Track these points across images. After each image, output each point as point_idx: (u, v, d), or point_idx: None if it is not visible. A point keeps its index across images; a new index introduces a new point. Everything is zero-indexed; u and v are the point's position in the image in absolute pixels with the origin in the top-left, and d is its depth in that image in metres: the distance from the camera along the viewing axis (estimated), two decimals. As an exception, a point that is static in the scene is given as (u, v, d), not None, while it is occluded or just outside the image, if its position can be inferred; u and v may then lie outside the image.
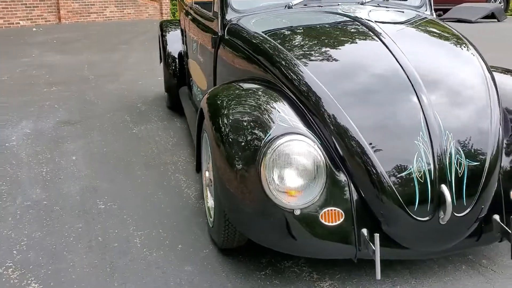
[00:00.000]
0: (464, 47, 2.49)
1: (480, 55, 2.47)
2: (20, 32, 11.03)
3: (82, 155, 3.59)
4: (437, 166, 1.95)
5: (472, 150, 2.03)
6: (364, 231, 1.95)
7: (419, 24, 2.76)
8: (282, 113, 2.04)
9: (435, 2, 3.15)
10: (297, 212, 1.91)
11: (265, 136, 1.95)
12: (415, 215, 1.94)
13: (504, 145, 2.15)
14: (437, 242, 2.03)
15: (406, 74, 2.13)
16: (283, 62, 2.29)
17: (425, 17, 2.91)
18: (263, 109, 2.08)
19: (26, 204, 2.85)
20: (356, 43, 2.46)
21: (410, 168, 1.94)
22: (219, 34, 2.84)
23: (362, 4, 2.93)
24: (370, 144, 1.97)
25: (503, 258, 2.31)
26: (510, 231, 2.01)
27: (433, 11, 3.11)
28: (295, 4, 2.85)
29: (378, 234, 1.88)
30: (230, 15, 2.84)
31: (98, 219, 2.67)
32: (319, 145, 1.97)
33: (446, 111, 2.08)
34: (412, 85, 2.10)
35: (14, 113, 4.64)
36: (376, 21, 2.56)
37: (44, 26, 12.17)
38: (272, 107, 2.08)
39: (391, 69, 2.18)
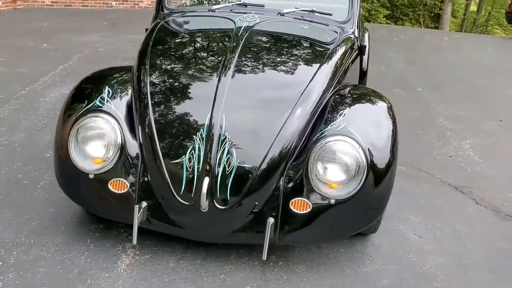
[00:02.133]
0: (316, 70, 2.63)
1: (332, 75, 2.62)
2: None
3: (81, 117, 4.36)
4: (207, 160, 2.21)
5: (247, 154, 2.24)
6: (143, 204, 2.29)
7: (306, 42, 2.92)
8: (106, 96, 2.46)
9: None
10: (91, 176, 2.34)
11: (80, 110, 2.41)
12: (181, 198, 2.23)
13: (292, 162, 2.29)
14: (204, 227, 2.29)
15: (218, 84, 2.40)
16: (141, 59, 2.72)
17: (331, 35, 3.01)
18: (97, 89, 2.52)
19: (3, 142, 3.69)
20: (205, 56, 2.79)
21: (183, 158, 2.24)
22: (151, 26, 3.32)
23: (281, 15, 3.13)
24: (159, 133, 2.31)
25: (300, 265, 2.43)
26: (265, 235, 2.19)
27: (357, 28, 3.15)
28: (216, 9, 3.19)
29: (137, 206, 2.24)
30: (164, 12, 3.30)
31: (33, 163, 3.36)
32: (121, 126, 2.35)
33: (235, 118, 2.31)
34: (216, 92, 2.36)
35: (73, 77, 5.64)
36: (257, 33, 2.82)
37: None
38: (104, 90, 2.50)
39: (208, 81, 2.51)
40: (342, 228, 2.34)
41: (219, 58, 2.61)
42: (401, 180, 3.41)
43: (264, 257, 2.22)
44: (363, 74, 4.66)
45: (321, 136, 2.29)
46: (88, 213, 2.73)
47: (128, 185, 2.32)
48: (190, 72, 2.60)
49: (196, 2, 3.60)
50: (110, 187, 2.33)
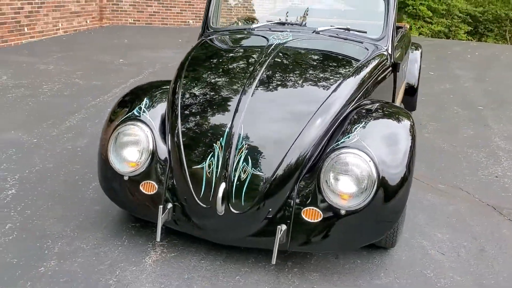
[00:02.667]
0: (338, 83, 2.74)
1: (357, 89, 2.72)
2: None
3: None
4: (225, 167, 2.38)
5: (262, 162, 2.39)
6: (169, 205, 2.51)
7: (334, 58, 3.02)
8: (143, 106, 2.72)
9: None
10: (126, 178, 2.60)
11: (121, 118, 2.68)
12: (200, 201, 2.42)
13: (306, 172, 2.41)
14: (221, 230, 2.46)
15: (241, 96, 2.58)
16: (179, 73, 2.97)
17: (362, 55, 3.09)
18: (138, 99, 2.78)
19: (67, 147, 4.10)
20: (234, 70, 2.97)
21: (203, 164, 2.43)
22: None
23: (317, 33, 3.26)
24: (185, 141, 2.52)
25: (314, 273, 2.52)
26: (275, 240, 2.31)
27: (391, 45, 3.19)
28: (256, 28, 3.38)
29: (161, 206, 2.46)
30: (209, 30, 3.55)
31: (90, 167, 3.69)
32: (153, 134, 2.59)
33: (253, 127, 2.47)
34: (239, 103, 2.54)
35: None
36: (286, 50, 2.98)
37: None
38: (143, 101, 2.76)
39: (232, 93, 2.69)
40: (353, 238, 2.41)
41: (246, 72, 2.79)
42: (436, 198, 3.41)
43: (273, 261, 2.34)
44: (412, 91, 4.65)
45: (336, 147, 2.38)
46: (128, 212, 3.00)
47: (157, 187, 2.55)
48: (218, 84, 2.81)
49: (240, 22, 3.83)
50: (141, 188, 2.57)
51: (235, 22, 3.84)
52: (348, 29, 3.28)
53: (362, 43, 3.23)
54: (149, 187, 2.57)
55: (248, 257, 2.64)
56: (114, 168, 2.60)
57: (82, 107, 5.16)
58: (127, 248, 2.70)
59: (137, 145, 2.59)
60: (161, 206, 2.46)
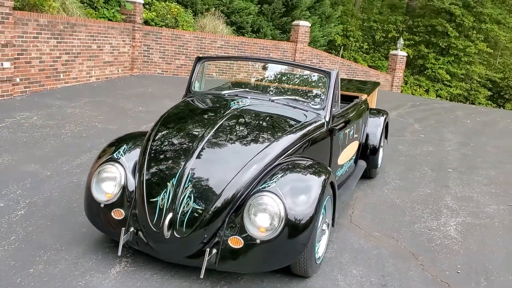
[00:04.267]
0: (275, 139, 3.51)
1: (289, 146, 3.51)
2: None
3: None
4: (173, 201, 3.13)
5: (201, 199, 3.13)
6: (131, 228, 3.26)
7: (277, 120, 3.78)
8: (122, 151, 3.52)
9: None
10: (102, 205, 3.38)
11: (104, 159, 3.49)
12: (153, 226, 3.17)
13: (236, 208, 3.13)
14: (167, 250, 3.18)
15: (197, 147, 3.34)
16: (156, 124, 3.77)
17: (301, 119, 3.86)
18: (120, 145, 3.60)
19: (73, 181, 4.92)
20: (196, 125, 3.74)
21: (158, 198, 3.19)
22: (180, 103, 4.42)
23: (272, 101, 4.05)
24: (147, 179, 3.29)
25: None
26: (204, 260, 3.02)
27: (329, 114, 3.93)
28: (226, 93, 4.21)
29: (124, 228, 3.21)
30: (191, 93, 4.40)
31: (72, 191, 4.51)
32: (126, 172, 3.38)
33: (199, 171, 3.23)
34: (191, 154, 3.30)
35: (149, 136, 6.94)
36: (240, 112, 3.77)
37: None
38: (122, 146, 3.58)
39: (189, 142, 3.46)
40: (267, 262, 3.10)
41: (204, 126, 3.59)
42: (366, 243, 4.04)
43: (202, 275, 3.04)
44: (374, 151, 5.35)
45: (260, 189, 3.11)
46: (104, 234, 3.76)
47: (124, 214, 3.32)
48: (181, 135, 3.60)
49: (217, 89, 4.68)
50: (112, 214, 3.34)
51: (218, 87, 4.70)
52: (296, 100, 4.05)
53: (307, 111, 4.00)
54: (118, 214, 3.33)
55: (192, 275, 3.33)
56: (94, 197, 3.39)
57: (94, 148, 6.05)
58: (100, 261, 3.44)
59: (113, 181, 3.38)
60: (123, 228, 3.22)
